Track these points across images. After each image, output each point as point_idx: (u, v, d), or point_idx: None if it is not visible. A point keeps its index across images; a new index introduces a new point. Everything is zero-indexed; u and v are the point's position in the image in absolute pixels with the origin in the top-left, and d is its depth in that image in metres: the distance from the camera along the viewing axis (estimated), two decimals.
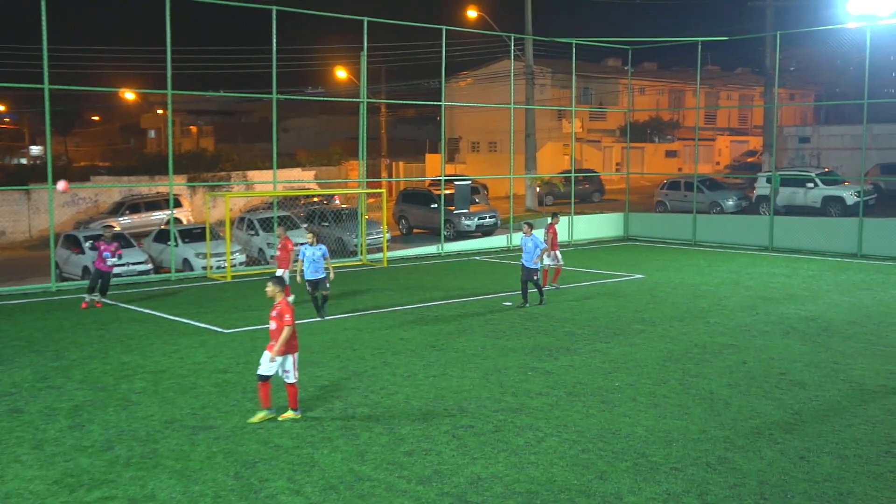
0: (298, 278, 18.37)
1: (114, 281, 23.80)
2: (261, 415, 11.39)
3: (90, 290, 20.01)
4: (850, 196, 33.60)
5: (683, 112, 67.23)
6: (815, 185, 34.95)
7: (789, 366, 14.07)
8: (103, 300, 20.20)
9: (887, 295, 20.97)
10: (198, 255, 25.90)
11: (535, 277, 19.78)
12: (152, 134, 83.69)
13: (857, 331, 16.78)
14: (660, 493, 8.88)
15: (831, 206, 34.11)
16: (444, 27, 30.04)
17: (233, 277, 24.66)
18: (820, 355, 14.79)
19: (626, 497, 8.80)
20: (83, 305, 19.86)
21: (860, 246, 28.69)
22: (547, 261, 21.60)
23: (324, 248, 18.08)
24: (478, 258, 29.49)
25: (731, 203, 37.59)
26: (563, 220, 34.11)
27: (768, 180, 34.30)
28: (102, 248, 19.56)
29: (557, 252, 22.36)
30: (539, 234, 20.87)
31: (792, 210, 34.38)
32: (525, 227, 20.10)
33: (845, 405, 11.90)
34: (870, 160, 37.81)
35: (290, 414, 11.47)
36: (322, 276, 18.00)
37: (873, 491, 8.95)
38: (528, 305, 19.60)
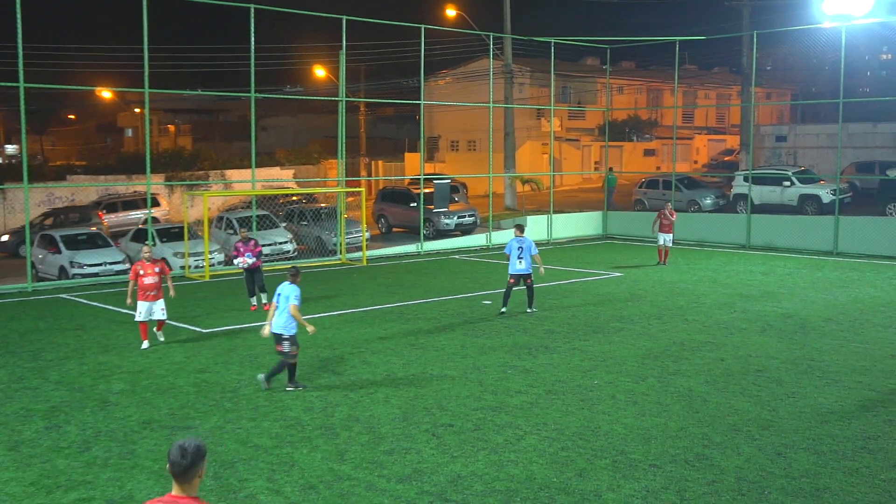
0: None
1: (90, 281, 23.77)
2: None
3: (251, 295, 19.42)
4: (826, 194, 33.87)
5: (661, 111, 67.55)
6: (792, 183, 35.21)
7: (766, 363, 14.18)
8: (263, 301, 19.18)
9: (862, 292, 21.17)
10: (176, 254, 25.78)
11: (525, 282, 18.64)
12: (129, 133, 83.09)
13: (832, 328, 16.93)
14: (639, 490, 8.92)
15: (807, 205, 34.37)
16: (422, 26, 30.03)
17: (211, 277, 24.55)
18: (796, 352, 14.91)
19: (605, 494, 8.84)
20: (252, 308, 19.25)
21: (836, 244, 28.95)
22: (669, 242, 26.32)
23: None
24: (457, 257, 29.50)
25: (708, 201, 37.80)
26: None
27: (746, 179, 34.52)
28: (241, 249, 19.05)
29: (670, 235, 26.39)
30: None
31: (768, 208, 34.62)
32: (516, 230, 18.92)
33: (821, 401, 12.00)
34: (845, 159, 38.17)
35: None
36: None
37: (849, 486, 9.04)
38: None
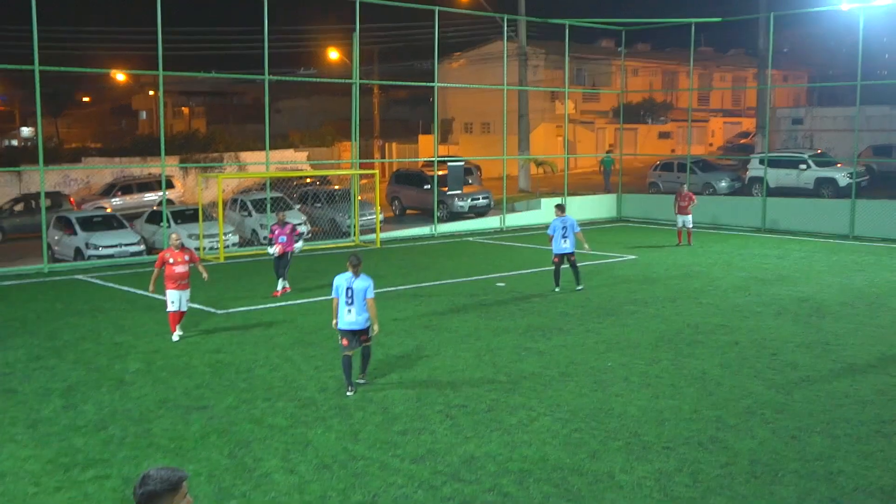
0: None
1: (106, 262, 23.90)
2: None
3: (279, 277, 19.14)
4: (842, 177, 33.62)
5: (677, 93, 67.15)
6: (808, 166, 34.98)
7: (781, 346, 14.14)
8: (284, 285, 19.14)
9: (879, 276, 21.05)
10: (190, 236, 25.86)
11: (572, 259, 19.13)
12: (144, 115, 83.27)
13: (848, 312, 16.86)
14: (652, 472, 8.94)
15: (824, 188, 34.15)
16: (436, 7, 29.87)
17: (226, 258, 24.64)
18: (811, 336, 14.86)
19: (618, 476, 8.86)
20: (275, 294, 18.91)
21: (852, 227, 28.78)
22: (689, 223, 26.66)
23: None
24: (471, 239, 29.49)
25: (723, 184, 37.61)
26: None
27: (761, 161, 34.31)
28: (277, 232, 18.88)
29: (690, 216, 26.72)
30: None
31: (784, 191, 34.42)
32: (557, 210, 19.47)
33: (836, 385, 11.97)
34: (862, 142, 37.80)
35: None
36: None
37: (863, 470, 9.02)
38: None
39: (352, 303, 11.58)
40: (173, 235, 15.46)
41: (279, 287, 19.10)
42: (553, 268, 19.31)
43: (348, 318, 11.63)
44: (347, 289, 11.61)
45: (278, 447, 9.70)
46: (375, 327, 11.89)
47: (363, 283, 11.63)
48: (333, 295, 11.79)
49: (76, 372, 12.88)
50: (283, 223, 19.14)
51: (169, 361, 13.42)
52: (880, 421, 10.50)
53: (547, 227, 19.84)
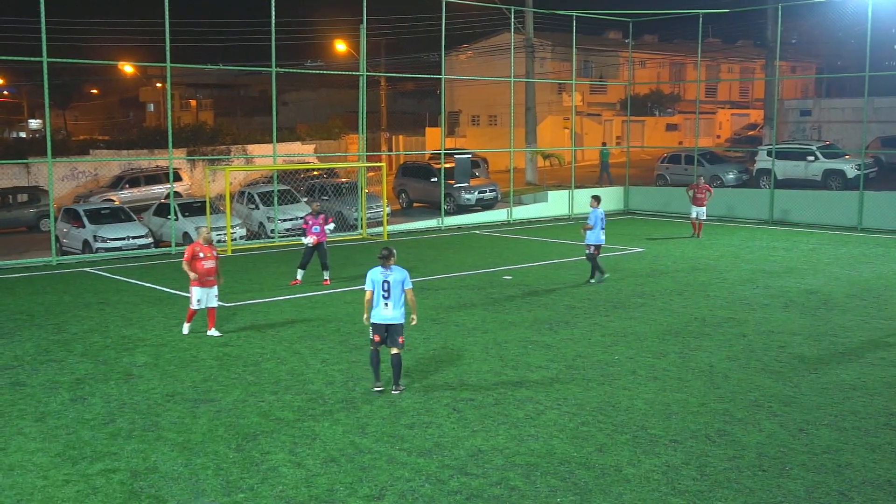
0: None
1: (114, 255, 23.94)
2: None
3: (301, 267, 19.12)
4: (850, 169, 33.51)
5: (684, 85, 66.94)
6: (816, 158, 34.86)
7: (789, 339, 14.11)
8: (325, 277, 19.32)
9: (887, 268, 20.98)
10: (198, 229, 25.88)
11: (588, 252, 19.38)
12: (151, 107, 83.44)
13: (856, 304, 16.81)
14: (659, 466, 8.93)
15: (832, 180, 34.03)
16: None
17: (233, 251, 24.68)
18: (819, 328, 14.82)
19: (625, 469, 8.85)
20: (292, 283, 19.06)
21: (860, 219, 28.69)
22: (702, 215, 26.89)
23: None
24: (478, 232, 29.48)
25: (731, 176, 37.50)
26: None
27: (769, 153, 34.18)
28: (311, 222, 18.85)
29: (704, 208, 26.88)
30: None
31: (792, 183, 34.31)
32: (592, 201, 19.66)
33: (844, 378, 11.94)
34: (871, 133, 37.72)
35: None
36: None
37: (871, 462, 9.00)
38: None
39: (388, 296, 11.17)
40: (203, 229, 14.81)
41: (325, 277, 19.25)
42: (589, 259, 19.38)
43: (385, 311, 11.22)
44: (384, 282, 11.17)
45: (285, 440, 9.72)
46: (414, 317, 11.67)
47: (400, 275, 11.21)
48: (368, 288, 11.24)
49: (84, 365, 12.92)
50: (316, 213, 19.12)
51: (177, 355, 13.45)
52: (889, 413, 10.47)
53: (581, 217, 19.93)
